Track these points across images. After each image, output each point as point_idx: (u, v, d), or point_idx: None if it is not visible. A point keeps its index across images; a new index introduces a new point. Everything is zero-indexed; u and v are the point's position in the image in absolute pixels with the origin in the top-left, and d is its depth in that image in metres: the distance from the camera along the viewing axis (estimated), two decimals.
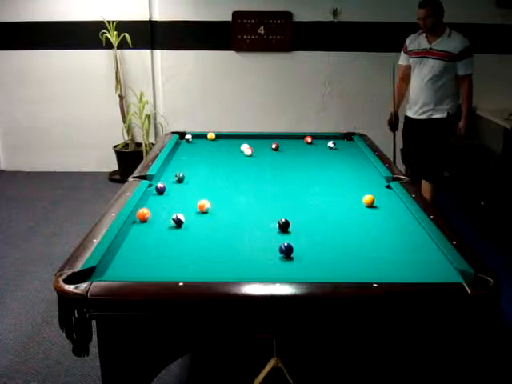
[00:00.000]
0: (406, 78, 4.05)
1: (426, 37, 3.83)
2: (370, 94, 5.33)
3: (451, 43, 3.73)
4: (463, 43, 3.72)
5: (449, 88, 3.82)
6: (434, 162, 3.95)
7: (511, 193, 4.59)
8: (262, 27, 5.13)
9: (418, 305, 1.55)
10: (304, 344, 1.78)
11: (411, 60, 3.93)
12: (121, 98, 5.18)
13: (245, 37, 5.17)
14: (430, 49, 3.79)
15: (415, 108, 3.95)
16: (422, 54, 3.84)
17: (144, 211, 2.10)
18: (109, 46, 5.05)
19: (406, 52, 3.97)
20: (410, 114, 4.02)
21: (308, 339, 1.71)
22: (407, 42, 3.96)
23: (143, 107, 5.16)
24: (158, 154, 3.02)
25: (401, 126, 4.18)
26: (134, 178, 2.58)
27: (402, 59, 4.05)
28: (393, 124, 4.23)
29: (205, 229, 2.06)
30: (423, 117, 3.92)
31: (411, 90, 3.98)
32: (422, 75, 3.86)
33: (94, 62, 5.25)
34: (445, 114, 3.85)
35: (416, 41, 3.90)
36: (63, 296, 1.51)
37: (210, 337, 1.65)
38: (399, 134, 4.20)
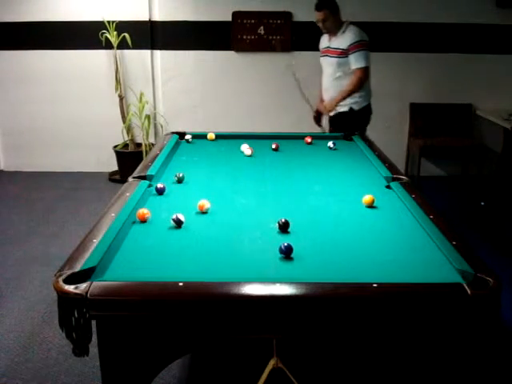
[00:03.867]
0: None
1: (328, 35, 4.00)
2: None
3: (343, 39, 3.85)
4: (353, 37, 3.80)
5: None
6: None
7: (511, 193, 4.59)
8: (261, 27, 5.14)
9: (417, 305, 1.55)
10: (304, 344, 1.78)
11: (320, 58, 4.11)
12: (121, 98, 5.19)
13: (245, 37, 5.17)
14: (329, 47, 3.96)
15: (323, 102, 4.12)
16: (324, 53, 4.02)
17: (144, 211, 2.10)
18: (109, 46, 5.05)
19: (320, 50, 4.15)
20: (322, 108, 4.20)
21: (308, 339, 1.71)
22: (320, 40, 4.13)
23: (143, 107, 5.16)
24: (157, 154, 3.02)
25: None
26: (134, 178, 2.58)
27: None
28: (316, 119, 4.32)
29: (205, 229, 2.06)
30: (332, 113, 4.07)
31: (322, 87, 4.16)
32: (326, 73, 4.04)
33: (93, 62, 5.25)
34: (347, 109, 3.97)
35: (323, 40, 4.08)
36: (63, 296, 1.51)
37: (210, 337, 1.64)
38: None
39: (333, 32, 3.91)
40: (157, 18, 5.17)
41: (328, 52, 3.97)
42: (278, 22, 5.13)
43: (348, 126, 3.82)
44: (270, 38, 5.16)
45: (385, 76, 5.27)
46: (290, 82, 5.32)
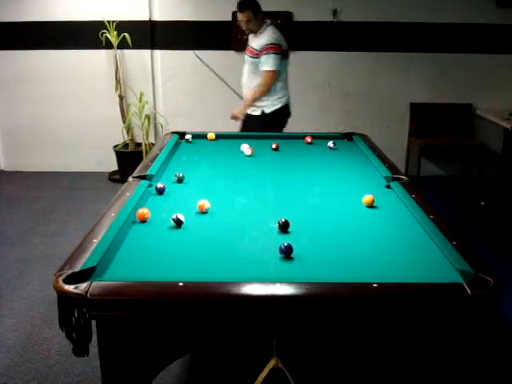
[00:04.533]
0: None
1: (252, 34, 4.01)
2: (369, 94, 5.33)
3: (259, 40, 3.85)
4: (267, 39, 3.80)
5: None
6: None
7: (511, 193, 4.59)
8: None
9: (418, 305, 1.55)
10: (304, 344, 1.78)
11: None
12: (121, 97, 5.19)
13: (245, 37, 5.15)
14: (249, 46, 3.99)
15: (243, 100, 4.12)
16: (245, 51, 4.05)
17: (144, 211, 2.10)
18: (109, 45, 5.05)
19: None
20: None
21: (308, 339, 1.71)
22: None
23: (143, 107, 5.16)
24: (157, 154, 3.02)
25: None
26: (134, 178, 2.58)
27: None
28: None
29: (205, 229, 2.06)
30: (247, 112, 4.07)
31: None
32: (244, 70, 4.07)
33: (93, 62, 5.25)
34: (259, 112, 3.98)
35: (249, 38, 4.07)
36: (63, 296, 1.51)
37: (210, 337, 1.64)
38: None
39: (255, 32, 3.93)
40: (157, 17, 5.17)
41: (248, 51, 3.99)
42: (278, 21, 5.12)
43: (260, 129, 3.82)
44: None
45: (385, 76, 5.28)
46: (290, 81, 5.33)
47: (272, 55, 3.82)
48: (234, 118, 4.11)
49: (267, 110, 3.97)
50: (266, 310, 1.53)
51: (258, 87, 3.92)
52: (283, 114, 4.08)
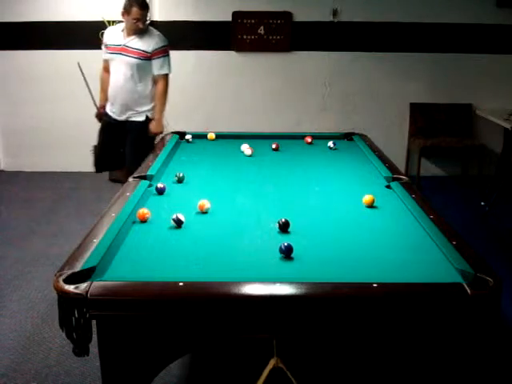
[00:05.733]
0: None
1: (122, 31, 3.69)
2: (370, 94, 5.33)
3: (147, 41, 3.63)
4: (159, 41, 3.65)
5: (148, 89, 3.73)
6: (132, 163, 3.65)
7: (511, 193, 4.59)
8: (261, 27, 5.13)
9: (418, 305, 1.55)
10: (304, 344, 1.78)
11: (108, 55, 3.78)
12: None
13: (245, 37, 5.17)
14: (125, 45, 3.65)
15: (114, 107, 3.82)
16: (118, 50, 3.68)
17: (144, 211, 2.10)
18: None
19: (105, 46, 3.80)
20: (109, 111, 3.87)
21: (308, 339, 1.71)
22: (105, 34, 3.81)
23: None
24: (158, 154, 3.02)
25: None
26: (134, 178, 2.58)
27: (103, 53, 3.87)
28: (100, 117, 4.00)
29: (205, 229, 2.06)
30: (122, 117, 3.80)
31: (110, 87, 3.81)
32: (120, 72, 3.71)
33: (94, 62, 5.22)
34: (143, 118, 3.78)
35: (114, 35, 3.73)
36: (63, 296, 1.51)
37: (210, 337, 1.64)
38: None
39: (137, 32, 3.63)
40: (157, 18, 5.16)
41: (124, 51, 3.64)
42: (278, 22, 5.13)
43: (145, 135, 3.77)
44: (270, 37, 5.16)
45: (385, 76, 5.28)
46: (290, 81, 5.35)
47: (167, 58, 3.71)
48: (157, 134, 3.80)
49: (151, 115, 3.78)
50: (266, 310, 1.53)
51: (162, 93, 3.72)
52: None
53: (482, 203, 4.54)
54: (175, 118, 5.27)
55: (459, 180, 5.36)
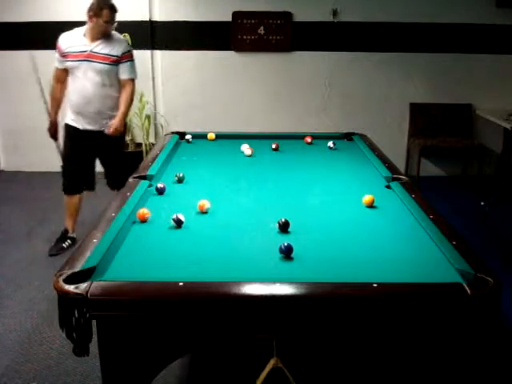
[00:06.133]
0: (65, 82, 3.61)
1: (84, 36, 3.46)
2: (369, 94, 5.33)
3: (114, 46, 3.47)
4: (126, 45, 3.55)
5: (118, 93, 3.57)
6: (115, 172, 3.76)
7: (511, 193, 4.59)
8: (261, 27, 5.14)
9: (417, 305, 1.55)
10: (304, 344, 1.78)
11: (69, 63, 3.48)
12: None
13: (245, 37, 5.17)
14: (92, 51, 3.44)
15: (83, 118, 3.57)
16: (84, 57, 3.44)
17: (144, 211, 2.10)
18: None
19: (62, 54, 3.50)
20: (75, 124, 3.61)
21: (308, 339, 1.71)
22: (61, 42, 3.49)
23: (143, 107, 5.16)
24: (158, 154, 3.02)
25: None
26: (134, 178, 2.58)
27: (58, 62, 3.56)
28: (53, 133, 3.82)
29: (205, 229, 2.06)
30: (95, 127, 3.58)
31: (74, 97, 3.55)
32: (86, 81, 3.47)
33: None
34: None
35: (75, 42, 3.46)
36: (63, 296, 1.51)
37: (210, 337, 1.65)
38: None
39: (105, 35, 3.45)
40: (157, 18, 5.17)
41: (91, 57, 3.42)
42: (278, 22, 5.13)
43: (120, 143, 3.71)
44: (270, 38, 5.17)
45: (385, 76, 5.28)
46: (290, 82, 5.35)
47: (134, 62, 3.59)
48: (117, 132, 3.57)
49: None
50: (266, 310, 1.53)
51: (129, 98, 3.56)
52: (125, 124, 3.76)
53: (482, 203, 4.54)
54: (175, 118, 5.30)
55: (459, 180, 5.36)
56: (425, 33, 5.15)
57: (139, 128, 5.25)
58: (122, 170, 3.58)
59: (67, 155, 3.72)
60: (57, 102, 3.70)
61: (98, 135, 3.60)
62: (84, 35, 3.47)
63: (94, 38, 3.45)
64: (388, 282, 1.58)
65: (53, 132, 3.80)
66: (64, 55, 3.49)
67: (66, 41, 3.49)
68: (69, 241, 3.71)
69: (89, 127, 3.58)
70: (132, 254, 1.82)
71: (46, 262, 3.48)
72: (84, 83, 3.48)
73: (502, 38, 5.14)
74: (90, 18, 3.39)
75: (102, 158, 3.78)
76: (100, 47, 3.46)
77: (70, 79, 3.55)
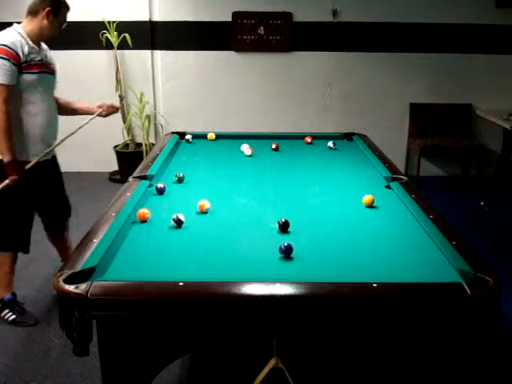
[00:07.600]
0: (19, 103, 2.66)
1: (29, 39, 2.66)
2: (369, 94, 5.34)
3: (48, 52, 2.84)
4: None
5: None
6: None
7: (511, 193, 4.60)
8: (261, 27, 5.14)
9: (417, 305, 1.55)
10: (304, 344, 1.78)
11: (30, 77, 2.64)
12: (121, 98, 5.18)
13: (245, 37, 5.17)
14: (45, 60, 2.75)
15: (40, 146, 2.77)
16: (42, 68, 2.70)
17: (144, 211, 2.10)
18: (109, 46, 5.05)
19: (18, 64, 2.56)
20: (31, 156, 2.74)
21: (308, 339, 1.71)
22: (18, 48, 2.57)
23: (143, 107, 5.16)
24: (158, 154, 3.02)
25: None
26: (134, 178, 2.58)
27: (10, 77, 2.54)
28: (22, 173, 2.68)
29: (205, 229, 2.06)
30: (49, 156, 2.87)
31: (38, 120, 2.74)
32: (45, 99, 2.75)
33: (94, 62, 5.25)
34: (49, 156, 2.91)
35: (27, 47, 2.62)
36: (63, 296, 1.51)
37: (210, 337, 1.65)
38: None
39: (47, 39, 2.79)
40: (157, 18, 5.17)
41: (46, 67, 2.75)
42: (278, 22, 5.13)
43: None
44: (270, 38, 5.17)
45: (385, 76, 5.29)
46: (290, 82, 5.35)
47: None
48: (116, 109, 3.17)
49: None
50: (266, 310, 1.53)
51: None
52: None
53: (482, 203, 4.54)
54: (175, 118, 5.31)
55: (459, 180, 5.37)
56: (425, 33, 5.15)
57: (139, 128, 5.26)
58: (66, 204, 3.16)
59: (21, 205, 2.83)
60: (12, 132, 2.67)
61: (51, 165, 2.96)
62: (25, 38, 2.65)
63: (38, 42, 2.72)
64: (388, 281, 1.58)
65: (21, 173, 2.67)
66: (25, 66, 2.61)
67: (20, 46, 2.60)
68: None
69: (45, 157, 2.84)
70: (132, 254, 1.82)
71: (46, 262, 3.48)
72: (42, 103, 2.74)
73: (502, 38, 5.14)
74: (47, 14, 2.67)
75: (58, 188, 3.16)
76: (46, 54, 2.79)
77: (23, 99, 2.67)
